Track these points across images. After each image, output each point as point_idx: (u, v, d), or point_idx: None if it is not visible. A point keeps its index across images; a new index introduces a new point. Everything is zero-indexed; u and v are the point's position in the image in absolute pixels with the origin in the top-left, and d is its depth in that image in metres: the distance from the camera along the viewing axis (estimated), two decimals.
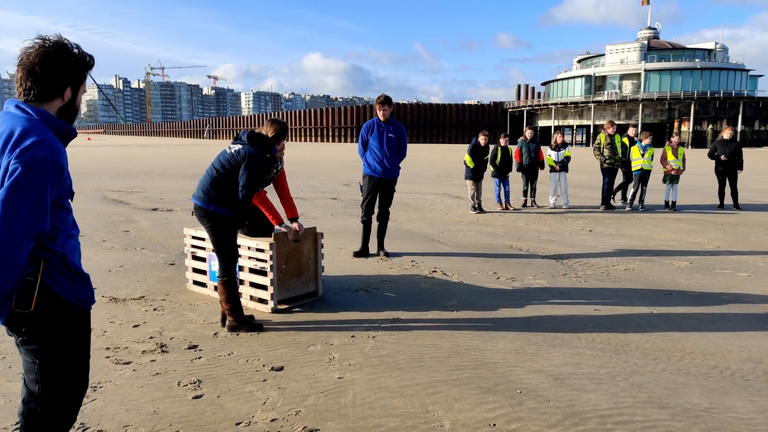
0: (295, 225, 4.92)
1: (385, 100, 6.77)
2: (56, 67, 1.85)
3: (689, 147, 57.98)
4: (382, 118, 6.82)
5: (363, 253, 7.01)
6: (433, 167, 25.79)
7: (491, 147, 11.43)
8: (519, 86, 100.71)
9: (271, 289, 4.77)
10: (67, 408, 2.02)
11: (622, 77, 71.67)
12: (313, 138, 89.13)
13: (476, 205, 11.13)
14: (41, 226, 1.79)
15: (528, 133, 12.20)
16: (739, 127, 60.23)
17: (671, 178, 11.82)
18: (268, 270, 4.74)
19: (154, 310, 4.85)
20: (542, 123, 75.91)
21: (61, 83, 1.89)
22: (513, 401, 3.18)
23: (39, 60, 1.83)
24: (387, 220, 7.10)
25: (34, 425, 2.00)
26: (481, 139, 11.04)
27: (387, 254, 6.99)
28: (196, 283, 5.44)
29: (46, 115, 1.85)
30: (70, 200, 1.96)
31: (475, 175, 11.00)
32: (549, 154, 12.05)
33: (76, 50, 1.90)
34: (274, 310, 4.79)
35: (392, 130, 6.83)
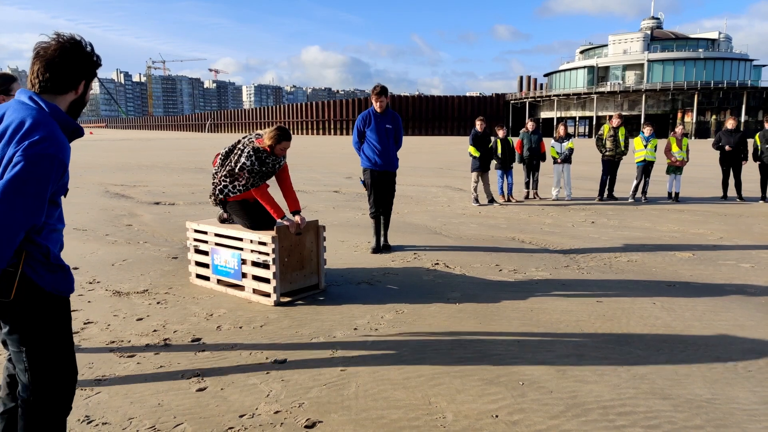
0: (297, 218, 4.93)
1: (382, 91, 6.59)
2: (73, 61, 1.93)
3: (692, 138, 57.77)
4: (378, 110, 6.64)
5: (380, 248, 6.85)
6: (435, 159, 25.75)
7: (492, 139, 11.39)
8: (521, 77, 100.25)
9: (273, 282, 4.78)
10: (58, 395, 2.06)
11: (625, 68, 71.26)
12: (314, 131, 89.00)
13: (478, 198, 11.12)
14: (36, 221, 1.82)
15: (530, 124, 12.16)
16: (743, 118, 59.94)
17: (674, 169, 11.77)
18: (271, 263, 4.74)
19: (158, 303, 4.87)
20: (545, 114, 75.62)
21: (77, 76, 1.95)
22: (515, 393, 3.19)
23: (58, 54, 1.90)
24: (390, 213, 7.01)
25: (30, 415, 2.04)
26: (478, 125, 10.99)
27: (388, 247, 6.96)
28: (198, 276, 5.45)
29: (57, 111, 1.89)
30: (63, 196, 1.99)
31: (483, 164, 10.96)
32: (552, 146, 12.02)
33: (89, 48, 1.99)
34: (277, 303, 4.80)
35: (389, 120, 6.70)
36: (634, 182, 11.77)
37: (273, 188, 5.10)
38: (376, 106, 6.65)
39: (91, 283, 5.49)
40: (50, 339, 2.00)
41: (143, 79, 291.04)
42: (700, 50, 68.91)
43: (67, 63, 1.90)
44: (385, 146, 6.66)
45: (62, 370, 2.05)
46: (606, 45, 75.33)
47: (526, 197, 12.09)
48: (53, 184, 1.83)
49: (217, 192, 5.05)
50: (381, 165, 6.69)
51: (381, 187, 6.80)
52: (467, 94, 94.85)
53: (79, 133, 1.96)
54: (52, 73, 1.89)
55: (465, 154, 11.74)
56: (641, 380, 3.35)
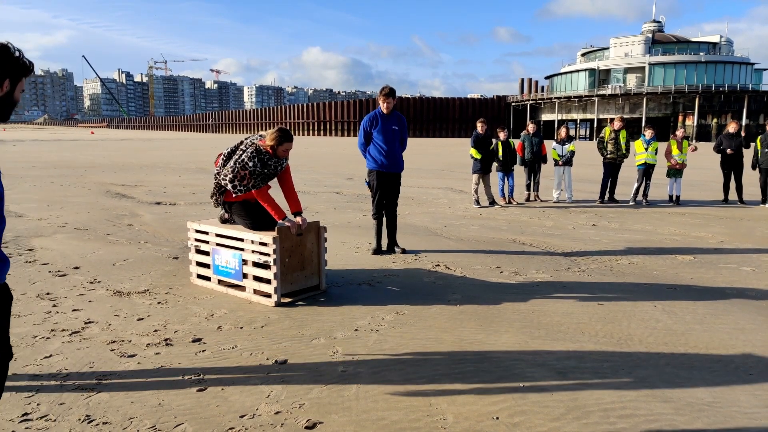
0: (298, 219, 4.94)
1: (390, 92, 6.53)
2: None
3: (693, 141, 57.75)
4: (385, 111, 6.60)
5: (380, 250, 6.84)
6: (436, 161, 25.75)
7: (493, 141, 11.40)
8: (522, 79, 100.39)
9: (274, 283, 4.78)
10: None
11: (627, 71, 71.34)
12: (315, 132, 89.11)
13: (479, 200, 11.12)
14: None
15: (531, 127, 12.18)
16: (744, 121, 59.96)
17: (675, 172, 11.77)
18: (272, 264, 4.75)
19: (158, 303, 4.87)
20: (546, 117, 75.70)
21: (0, 75, 2.09)
22: (516, 395, 3.19)
23: None
24: (395, 213, 6.92)
25: None
26: (479, 127, 10.99)
27: (404, 251, 6.86)
28: (199, 276, 5.45)
29: None
30: None
31: (484, 167, 10.96)
32: (554, 148, 12.03)
33: (17, 53, 2.14)
34: (278, 304, 4.80)
35: (395, 122, 6.67)
36: (635, 185, 11.77)
37: (274, 189, 5.10)
38: (383, 107, 6.60)
39: (92, 282, 5.50)
40: None
41: (145, 79, 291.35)
42: (702, 54, 68.97)
43: None
44: (391, 147, 6.62)
45: None
46: (607, 48, 75.41)
47: (527, 199, 12.09)
48: None
49: (220, 186, 5.06)
50: (387, 166, 6.65)
51: (386, 188, 6.76)
52: (468, 96, 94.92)
53: None
54: None
55: (466, 156, 11.77)
56: (642, 383, 3.35)
